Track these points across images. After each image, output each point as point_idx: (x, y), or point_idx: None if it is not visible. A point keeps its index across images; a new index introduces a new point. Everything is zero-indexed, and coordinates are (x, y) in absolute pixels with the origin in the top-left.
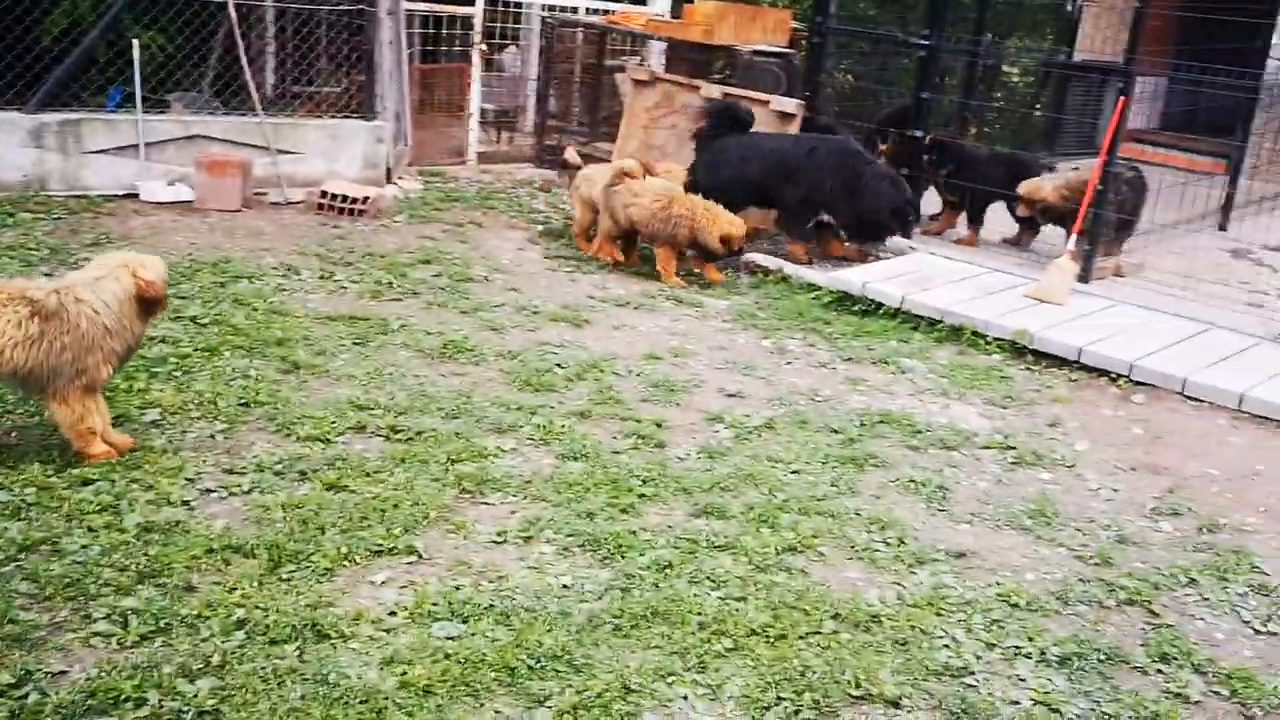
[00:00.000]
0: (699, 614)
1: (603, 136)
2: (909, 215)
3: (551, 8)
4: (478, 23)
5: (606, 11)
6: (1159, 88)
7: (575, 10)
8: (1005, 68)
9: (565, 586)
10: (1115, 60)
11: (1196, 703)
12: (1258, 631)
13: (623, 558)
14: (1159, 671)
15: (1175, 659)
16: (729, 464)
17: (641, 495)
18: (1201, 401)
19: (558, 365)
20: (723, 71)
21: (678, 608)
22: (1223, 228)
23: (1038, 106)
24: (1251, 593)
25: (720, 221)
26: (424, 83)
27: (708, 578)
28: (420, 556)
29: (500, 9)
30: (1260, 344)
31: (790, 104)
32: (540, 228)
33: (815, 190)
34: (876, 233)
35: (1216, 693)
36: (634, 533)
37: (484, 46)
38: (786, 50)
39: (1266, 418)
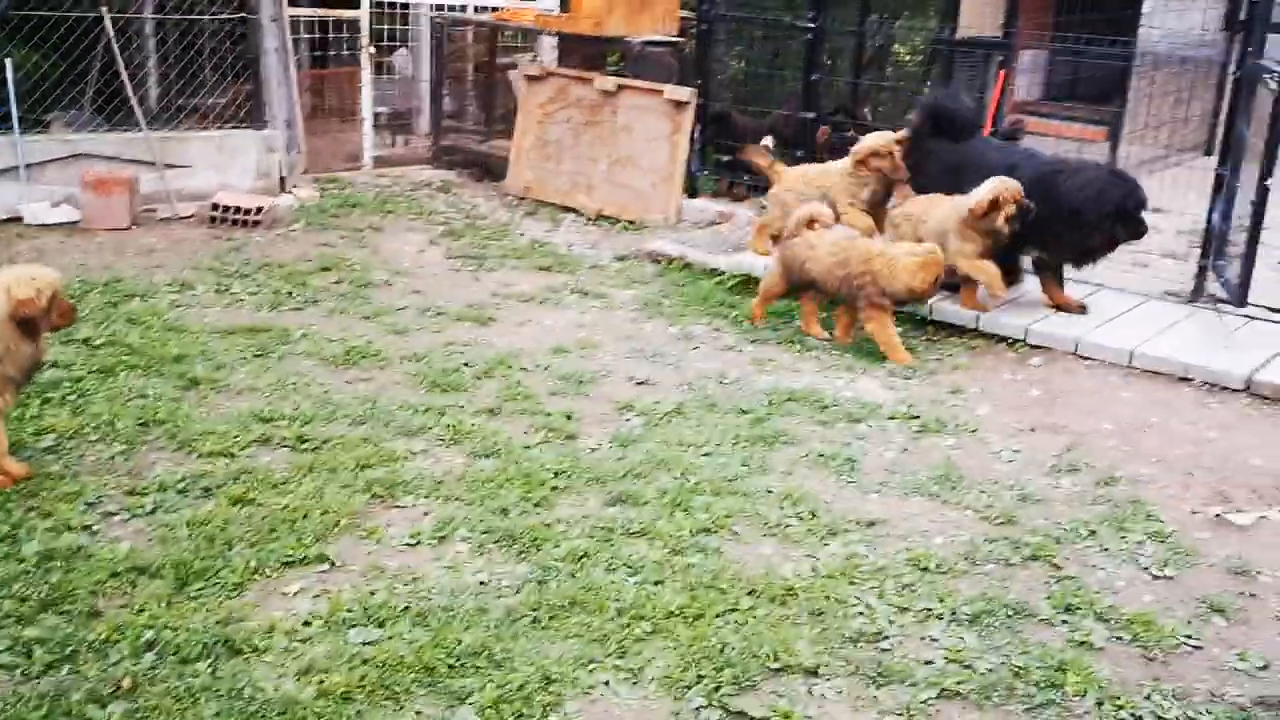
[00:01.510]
0: (617, 600)
1: (499, 134)
2: (1138, 216)
3: (440, 7)
4: (364, 25)
5: (495, 9)
6: (1041, 60)
7: (464, 9)
8: (896, 47)
9: (482, 583)
10: (998, 35)
11: (1100, 649)
12: (1155, 577)
13: (538, 550)
14: (1064, 622)
15: (1079, 609)
16: (641, 451)
17: (555, 488)
18: (1095, 360)
19: (465, 364)
20: (617, 63)
21: (595, 596)
22: None
23: (928, 84)
24: (1148, 540)
25: (899, 271)
26: (314, 89)
27: (624, 564)
28: (333, 564)
29: (388, 11)
30: (1147, 301)
31: (684, 92)
32: (441, 228)
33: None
34: (1097, 249)
35: (1119, 638)
36: (549, 525)
37: (373, 49)
38: (677, 39)
39: (1156, 372)
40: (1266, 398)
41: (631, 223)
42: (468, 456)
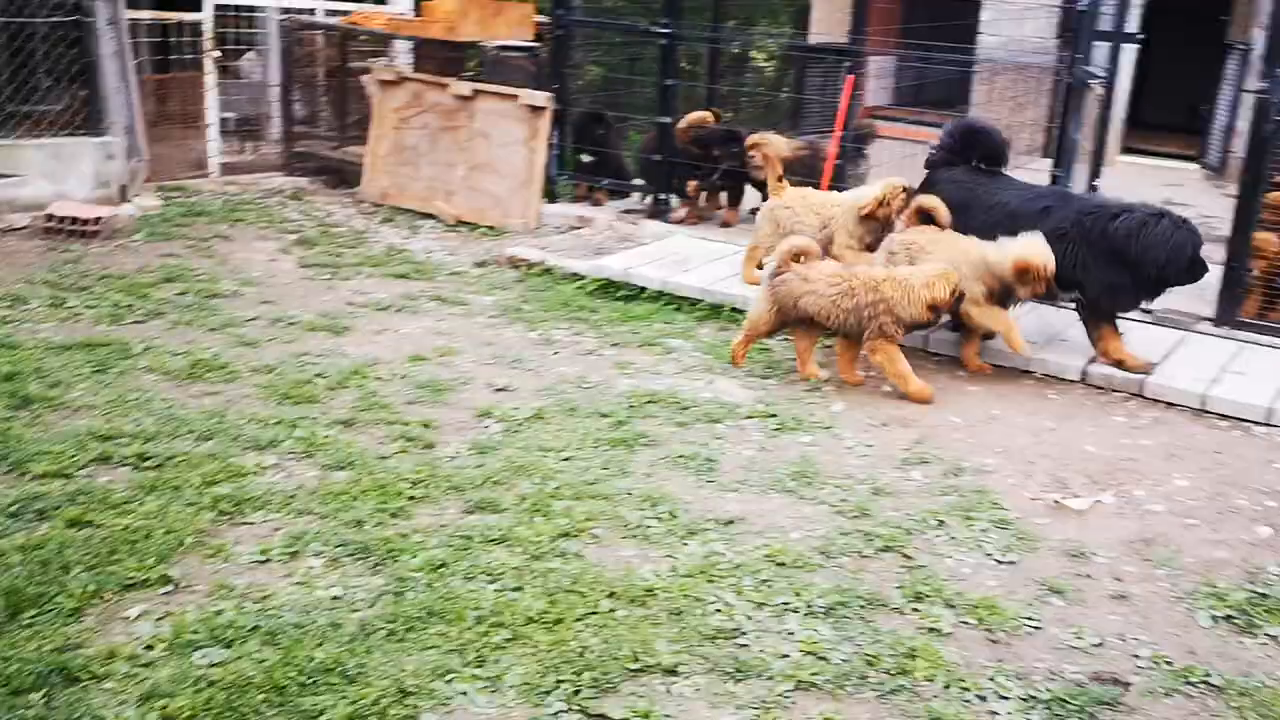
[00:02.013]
0: (476, 609)
1: (353, 140)
2: (1201, 261)
3: (288, 10)
4: (208, 29)
5: (346, 13)
6: (889, 66)
7: (312, 12)
8: (753, 53)
9: (335, 598)
10: (848, 41)
11: (948, 635)
12: (999, 563)
13: (395, 562)
14: (914, 610)
15: (928, 596)
16: (500, 458)
17: (412, 497)
18: (943, 356)
19: (318, 375)
20: (474, 68)
21: (453, 605)
22: None
23: (784, 89)
24: (993, 527)
25: (915, 289)
26: (157, 94)
27: (483, 572)
28: (177, 585)
29: (233, 14)
30: None
31: (540, 97)
32: (293, 237)
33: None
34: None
35: (966, 623)
36: (405, 536)
37: (218, 53)
38: (532, 44)
39: (999, 365)
40: (1099, 388)
41: (491, 228)
42: (321, 469)
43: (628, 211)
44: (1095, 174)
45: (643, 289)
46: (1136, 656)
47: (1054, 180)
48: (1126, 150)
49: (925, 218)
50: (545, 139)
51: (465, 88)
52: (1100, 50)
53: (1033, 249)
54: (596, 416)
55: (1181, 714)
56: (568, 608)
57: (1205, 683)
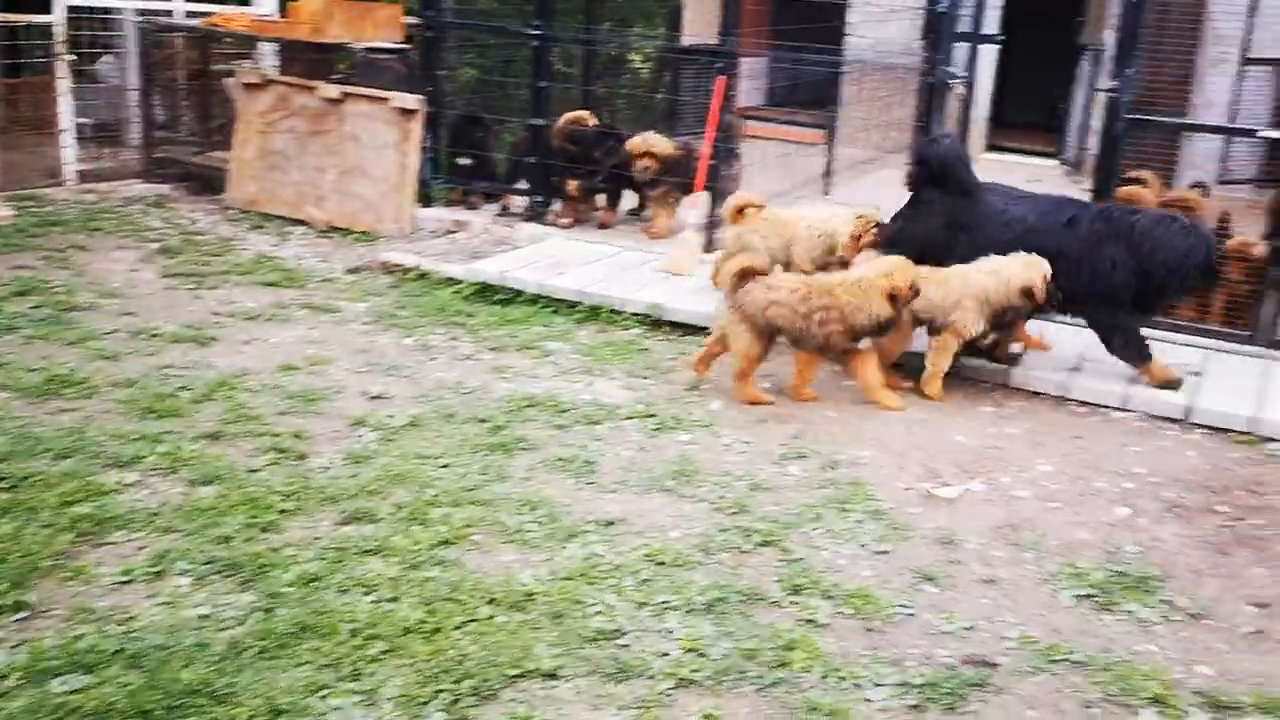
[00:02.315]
0: (350, 622)
1: (217, 145)
2: (1214, 266)
3: (145, 12)
4: (60, 31)
5: (207, 14)
6: (762, 67)
7: (170, 14)
8: (630, 55)
9: (203, 617)
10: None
11: (825, 625)
12: (874, 552)
13: (266, 577)
14: (792, 602)
15: (806, 589)
16: (375, 467)
17: (283, 511)
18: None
19: (183, 388)
20: (344, 71)
21: (327, 619)
22: (826, 192)
23: (660, 91)
24: (868, 518)
25: (873, 287)
26: (7, 99)
27: (358, 584)
28: (34, 610)
29: (87, 16)
30: None
31: (411, 100)
32: (155, 245)
33: (1096, 278)
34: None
35: (842, 613)
36: (276, 550)
37: (71, 56)
38: (402, 46)
39: None
40: (967, 379)
41: (364, 233)
42: (187, 485)
43: (504, 214)
44: None
45: (520, 292)
46: (1005, 638)
47: None
48: (991, 148)
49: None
50: (418, 142)
51: (333, 90)
52: (961, 51)
53: (1032, 269)
54: (474, 422)
55: (1046, 691)
56: (446, 616)
57: (1068, 660)
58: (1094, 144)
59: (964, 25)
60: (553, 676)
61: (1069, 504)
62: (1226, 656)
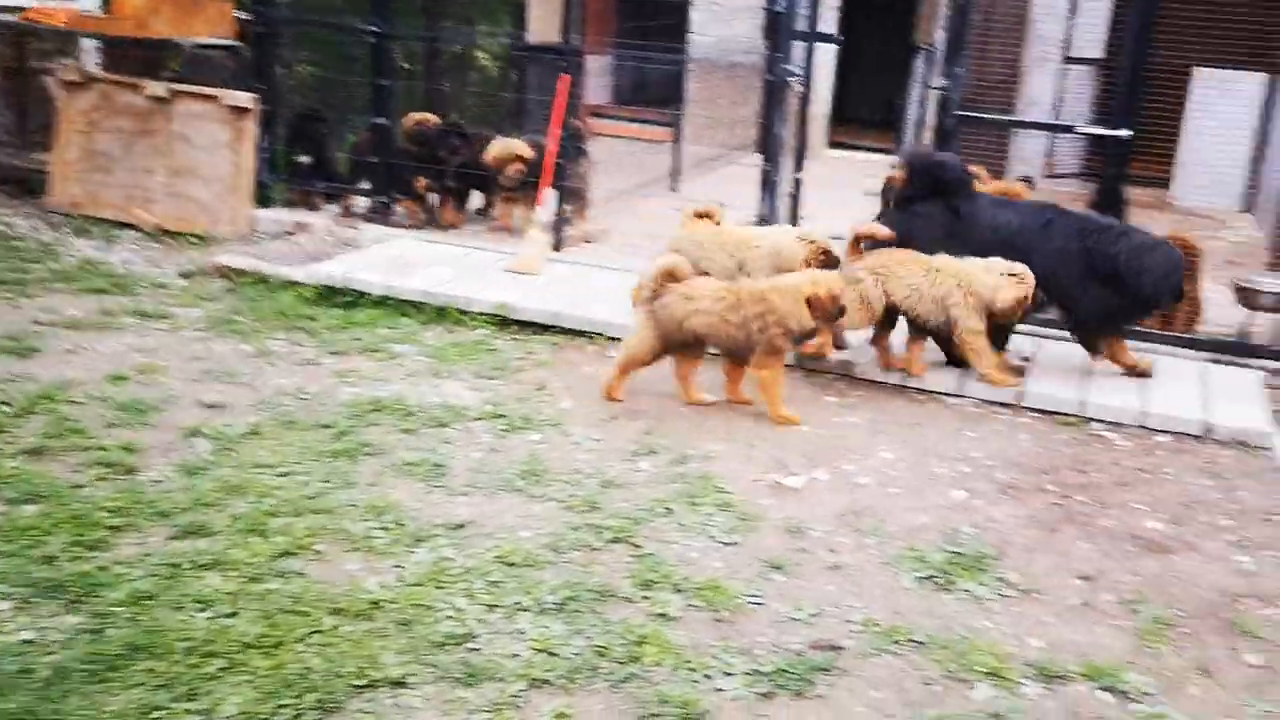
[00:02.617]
0: (186, 639)
1: (37, 146)
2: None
3: None
4: None
5: (22, 9)
6: (608, 65)
7: None
8: (476, 53)
9: (26, 642)
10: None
11: (676, 619)
12: (724, 544)
13: (94, 598)
14: (644, 597)
15: (657, 583)
16: (212, 478)
17: (112, 527)
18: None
19: (2, 402)
20: (174, 68)
21: (161, 638)
22: (674, 189)
23: (507, 89)
24: (717, 511)
25: (800, 290)
26: None
27: (194, 600)
28: None
29: None
30: None
31: (244, 98)
32: None
33: (1055, 280)
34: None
35: (693, 605)
36: (105, 569)
37: None
38: (234, 43)
39: (719, 354)
40: (812, 370)
41: (198, 237)
42: (6, 504)
43: (346, 215)
44: (799, 166)
45: (365, 294)
46: (850, 621)
47: (764, 175)
48: (833, 145)
49: (872, 245)
50: (252, 142)
51: (160, 89)
52: (801, 50)
53: (1022, 281)
54: (317, 428)
55: (890, 671)
56: (288, 629)
57: (910, 640)
58: (929, 140)
59: (802, 24)
60: (401, 684)
61: (909, 489)
62: (1055, 628)
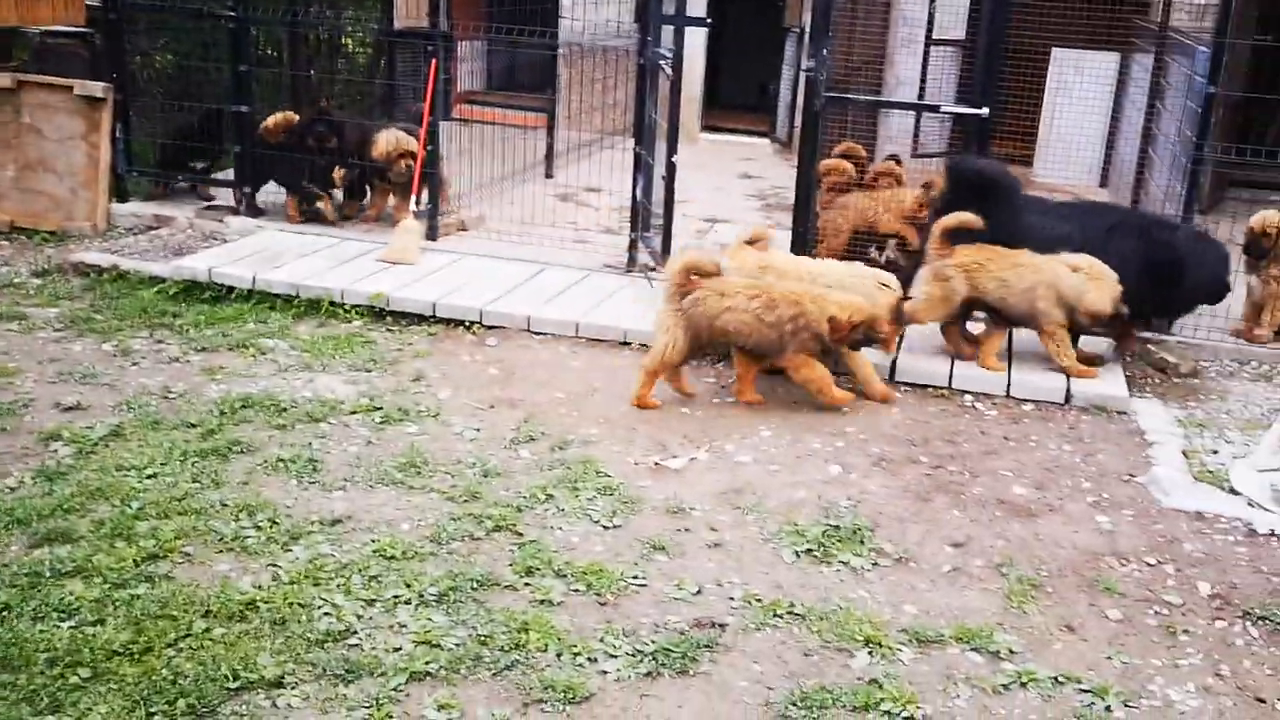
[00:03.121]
0: (48, 651)
1: None
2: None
3: None
4: None
5: None
6: (480, 50)
7: None
8: (344, 39)
9: None
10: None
11: (560, 604)
12: (606, 528)
13: None
14: (526, 585)
15: (539, 570)
16: (72, 483)
17: None
18: (546, 335)
19: None
20: (19, 57)
21: (21, 650)
22: (549, 175)
23: (377, 76)
24: (599, 495)
25: (826, 306)
26: None
27: (56, 609)
28: None
29: None
30: (589, 276)
31: (97, 88)
32: None
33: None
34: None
35: (576, 590)
36: None
37: None
38: (85, 30)
39: (600, 340)
40: None
41: (52, 233)
42: None
43: (211, 208)
44: (673, 150)
45: (232, 289)
46: (731, 598)
47: (636, 159)
48: (707, 128)
49: (957, 237)
50: (108, 133)
51: (5, 79)
52: (670, 33)
53: (1104, 281)
54: (184, 427)
55: (771, 644)
56: (157, 634)
57: (791, 613)
58: (800, 123)
59: (672, 8)
60: (278, 685)
61: (787, 466)
62: (929, 595)
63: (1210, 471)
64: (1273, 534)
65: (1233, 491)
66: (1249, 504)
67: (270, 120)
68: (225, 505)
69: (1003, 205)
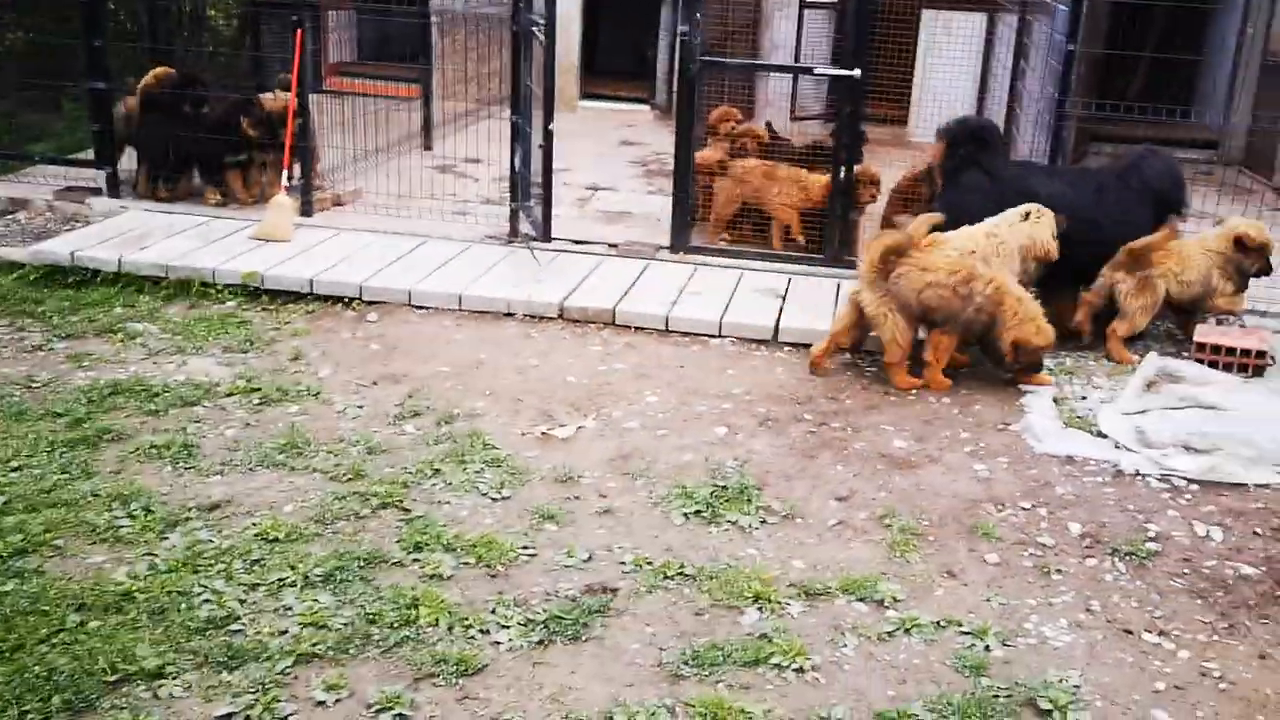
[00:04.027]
0: None
1: None
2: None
3: None
4: None
5: None
6: (349, 19)
7: None
8: (209, 11)
9: None
10: None
11: (449, 578)
12: (494, 500)
13: None
14: (415, 560)
15: (428, 545)
16: None
17: None
18: (428, 308)
19: None
20: None
21: None
22: (427, 147)
23: (245, 47)
24: (486, 467)
25: (1025, 322)
26: None
27: None
28: None
29: None
30: (470, 247)
31: None
32: None
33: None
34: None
35: (466, 563)
36: None
37: None
38: None
39: (484, 311)
40: (575, 320)
41: None
42: None
43: (70, 189)
44: (550, 119)
45: (97, 272)
46: (622, 563)
47: (514, 128)
48: (586, 96)
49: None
50: None
51: None
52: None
53: (1245, 221)
54: (50, 418)
55: (663, 605)
56: (28, 631)
57: (681, 574)
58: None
59: None
60: (159, 675)
61: (675, 430)
62: (815, 549)
63: (1079, 417)
64: (1138, 474)
65: (1100, 435)
66: (1115, 446)
67: (150, 75)
68: (97, 495)
69: (1000, 159)
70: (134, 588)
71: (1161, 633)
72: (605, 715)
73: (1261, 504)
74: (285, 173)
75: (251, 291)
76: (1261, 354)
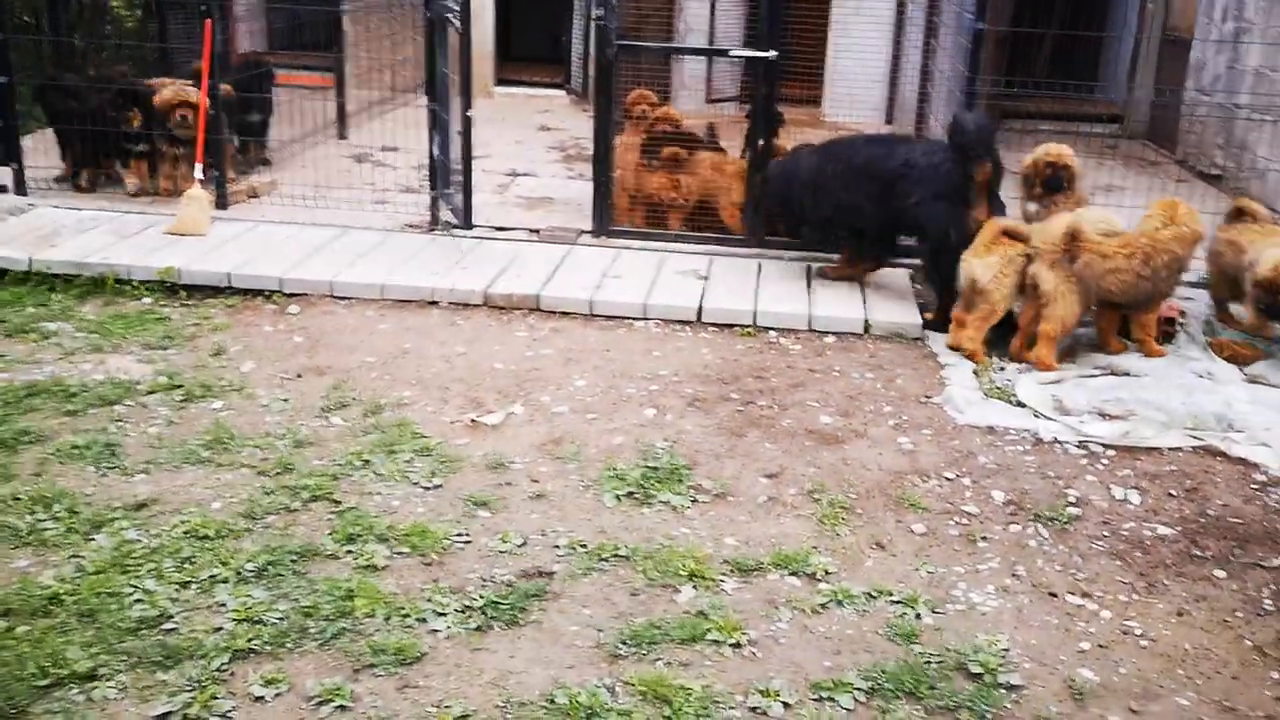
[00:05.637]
0: None
1: None
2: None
3: None
4: None
5: None
6: (259, 9)
7: None
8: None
9: None
10: None
11: (384, 568)
12: (426, 488)
13: None
14: (349, 552)
15: (361, 536)
16: None
17: None
18: (351, 299)
19: None
20: None
21: None
22: (343, 136)
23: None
24: (416, 457)
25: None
26: None
27: None
28: None
29: None
30: (391, 236)
31: None
32: None
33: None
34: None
35: (400, 553)
36: None
37: None
38: None
39: (407, 300)
40: (500, 307)
41: None
42: None
43: None
44: (467, 105)
45: (5, 271)
46: (556, 547)
47: (431, 115)
48: (501, 82)
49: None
50: None
51: None
52: None
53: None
54: None
55: (598, 587)
56: None
57: (616, 555)
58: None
59: None
60: (91, 678)
61: (604, 413)
62: (748, 526)
63: (999, 388)
64: (1056, 441)
65: (1019, 404)
66: (1034, 415)
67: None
68: (18, 499)
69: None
70: (61, 590)
71: (1084, 594)
72: (546, 698)
73: (1175, 466)
74: (197, 166)
75: (169, 287)
76: (1170, 321)
